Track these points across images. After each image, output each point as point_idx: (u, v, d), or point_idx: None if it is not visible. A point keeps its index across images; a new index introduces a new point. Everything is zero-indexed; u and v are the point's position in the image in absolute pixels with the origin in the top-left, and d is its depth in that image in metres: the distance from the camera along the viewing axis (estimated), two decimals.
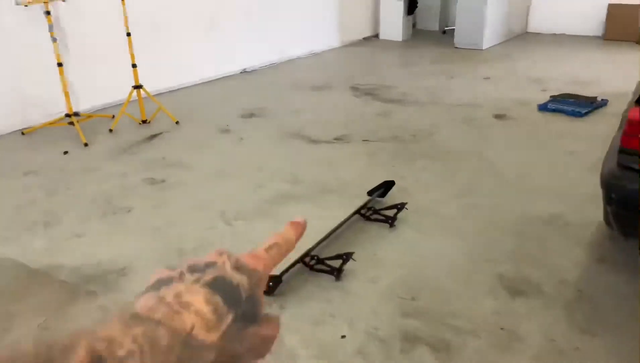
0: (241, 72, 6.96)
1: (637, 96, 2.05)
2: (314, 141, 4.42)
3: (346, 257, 2.57)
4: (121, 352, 0.28)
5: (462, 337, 2.16)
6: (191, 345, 0.31)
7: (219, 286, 0.34)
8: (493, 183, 3.57)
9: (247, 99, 5.68)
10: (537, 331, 2.20)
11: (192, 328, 0.31)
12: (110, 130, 4.68)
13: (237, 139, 4.51)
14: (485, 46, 7.97)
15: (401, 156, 4.06)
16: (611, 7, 8.33)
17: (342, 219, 2.95)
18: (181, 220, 3.14)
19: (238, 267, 0.36)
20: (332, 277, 2.52)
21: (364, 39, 9.04)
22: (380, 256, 2.75)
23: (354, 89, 6.01)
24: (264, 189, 3.51)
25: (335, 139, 4.46)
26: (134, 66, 4.76)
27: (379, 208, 3.10)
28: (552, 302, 2.37)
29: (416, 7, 8.75)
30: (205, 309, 0.33)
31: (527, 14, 9.18)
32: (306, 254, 2.58)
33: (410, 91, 5.82)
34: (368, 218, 3.08)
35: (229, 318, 0.33)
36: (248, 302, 0.35)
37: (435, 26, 9.57)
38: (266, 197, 3.39)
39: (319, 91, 6.03)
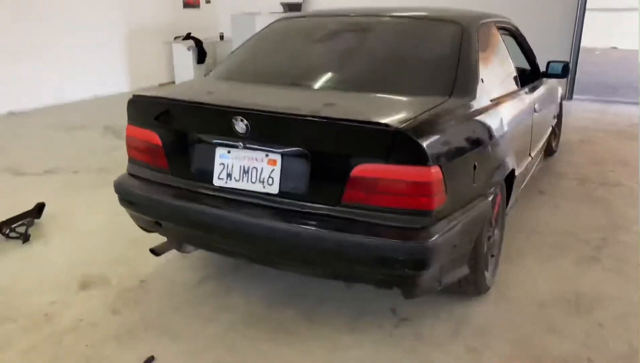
0: (7, 114, 7.08)
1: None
2: (21, 174, 4.71)
3: None
4: None
5: None
6: None
7: None
8: None
9: None
10: None
11: None
12: None
13: None
14: None
15: (94, 184, 4.46)
16: None
17: None
18: None
19: None
20: None
21: (160, 85, 9.53)
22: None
23: (106, 128, 6.41)
24: None
25: (46, 172, 4.78)
26: None
27: (14, 226, 3.45)
28: None
29: (205, 56, 9.43)
30: None
31: None
32: None
33: None
34: (7, 236, 3.41)
35: None
36: None
37: None
38: None
39: (73, 130, 6.35)
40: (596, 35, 14.42)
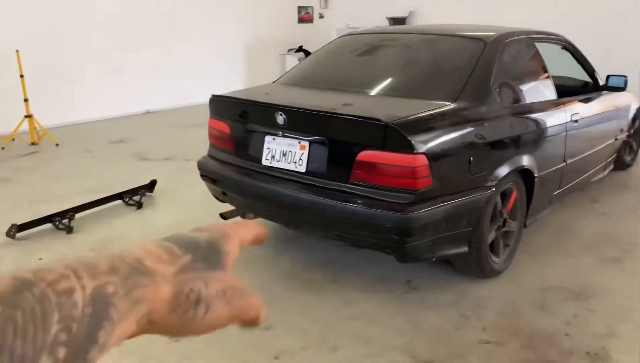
0: (144, 113, 8.46)
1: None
2: (145, 159, 5.81)
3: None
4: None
5: None
6: (139, 270, 0.34)
7: (173, 239, 0.39)
8: None
9: (128, 131, 7.14)
10: None
11: (142, 257, 0.35)
12: (2, 148, 6.16)
13: (90, 156, 5.92)
14: None
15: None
16: None
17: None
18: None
19: (197, 229, 0.42)
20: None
21: None
22: (115, 226, 4.05)
23: None
24: (80, 187, 4.85)
25: (165, 158, 5.85)
26: (25, 100, 6.30)
27: (133, 196, 4.43)
28: None
29: None
30: (156, 249, 0.37)
31: None
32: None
33: None
34: (126, 203, 4.40)
35: (186, 258, 0.37)
36: (209, 248, 0.39)
37: None
38: (75, 193, 4.73)
39: (192, 127, 7.48)
40: None
